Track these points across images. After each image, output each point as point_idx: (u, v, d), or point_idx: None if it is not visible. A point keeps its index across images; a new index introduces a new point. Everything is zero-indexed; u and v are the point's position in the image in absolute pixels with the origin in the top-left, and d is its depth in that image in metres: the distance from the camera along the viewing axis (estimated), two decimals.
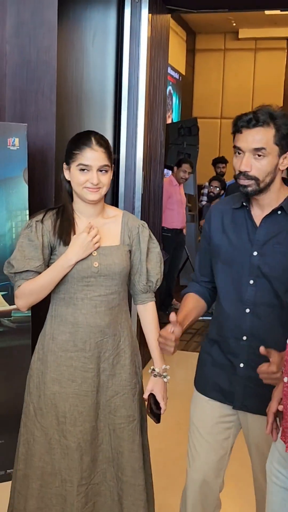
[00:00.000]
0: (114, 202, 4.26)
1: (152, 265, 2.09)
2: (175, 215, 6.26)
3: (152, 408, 2.07)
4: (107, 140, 2.03)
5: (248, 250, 1.90)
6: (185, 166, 6.24)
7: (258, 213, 1.92)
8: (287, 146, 1.83)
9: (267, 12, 8.05)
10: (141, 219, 4.20)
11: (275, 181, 1.86)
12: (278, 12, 8.18)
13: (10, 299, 3.00)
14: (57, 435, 2.02)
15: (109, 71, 4.12)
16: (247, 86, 10.70)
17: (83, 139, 1.97)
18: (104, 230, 2.04)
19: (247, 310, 1.91)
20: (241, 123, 1.83)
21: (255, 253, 1.88)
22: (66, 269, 1.96)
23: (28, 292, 1.98)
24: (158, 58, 4.65)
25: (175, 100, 9.67)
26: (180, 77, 9.88)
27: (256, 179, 1.83)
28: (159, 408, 2.08)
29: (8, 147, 2.93)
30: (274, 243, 1.87)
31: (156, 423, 2.08)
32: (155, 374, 2.08)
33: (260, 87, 10.65)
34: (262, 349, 1.64)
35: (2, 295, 2.99)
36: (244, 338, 1.92)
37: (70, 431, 2.00)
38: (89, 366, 2.01)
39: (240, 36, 10.59)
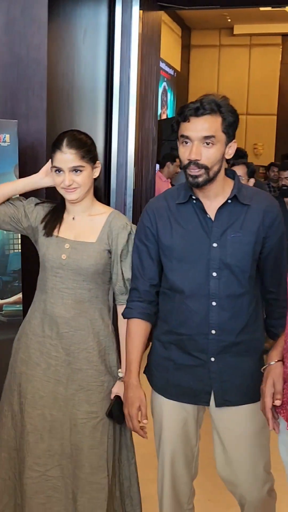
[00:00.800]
0: (106, 198, 4.30)
1: (126, 268, 2.07)
2: None
3: (115, 410, 2.06)
4: (83, 139, 2.06)
5: (206, 243, 1.88)
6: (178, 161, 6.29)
7: (207, 204, 1.90)
8: (233, 135, 1.84)
9: (261, 8, 8.07)
10: (132, 215, 4.28)
11: (221, 171, 1.87)
12: (272, 8, 8.22)
13: (1, 294, 3.04)
14: (19, 414, 2.11)
15: (100, 68, 4.15)
16: (242, 82, 10.74)
17: (57, 141, 2.03)
18: (85, 226, 2.08)
19: (213, 303, 1.88)
20: (188, 112, 1.80)
21: (214, 245, 1.87)
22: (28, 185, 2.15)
23: None
24: (150, 55, 4.68)
25: (170, 96, 9.69)
26: (175, 73, 9.90)
27: (206, 167, 1.81)
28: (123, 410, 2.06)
29: None
30: (231, 232, 1.87)
31: (118, 424, 2.09)
32: (119, 378, 2.10)
33: (255, 83, 10.69)
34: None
35: None
36: (213, 331, 1.89)
37: (28, 412, 2.07)
38: (53, 353, 2.07)
39: (235, 32, 10.62)
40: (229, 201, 1.89)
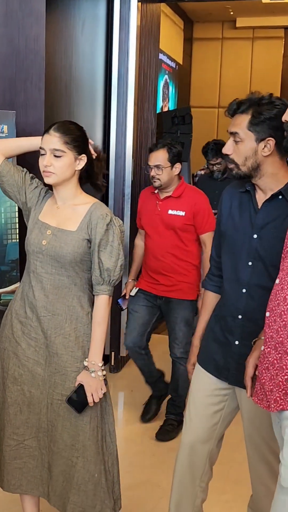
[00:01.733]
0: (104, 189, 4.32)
1: (105, 257, 2.08)
2: None
3: (79, 398, 2.07)
4: (72, 127, 2.11)
5: (249, 233, 1.98)
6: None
7: (261, 197, 1.99)
8: (264, 133, 1.89)
9: (264, 0, 8.07)
10: (131, 206, 4.30)
11: (264, 166, 1.93)
12: (275, 0, 8.20)
13: None
14: (2, 386, 2.22)
15: (98, 60, 4.17)
16: (244, 75, 10.70)
17: (49, 126, 2.11)
18: (68, 215, 2.13)
19: (243, 290, 2.00)
20: (228, 111, 1.96)
21: (255, 236, 1.97)
22: (28, 143, 2.23)
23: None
24: (149, 47, 4.69)
25: (171, 89, 9.68)
26: (177, 66, 9.89)
27: (235, 163, 1.94)
28: (86, 399, 2.08)
29: None
30: (271, 227, 1.94)
31: (77, 412, 2.09)
32: (84, 367, 2.11)
33: (257, 76, 10.65)
34: None
35: None
36: (240, 316, 2.01)
37: (9, 387, 2.18)
38: (33, 335, 2.15)
39: (237, 25, 10.57)
40: (280, 197, 1.94)
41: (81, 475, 2.13)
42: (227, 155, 1.96)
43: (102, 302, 2.12)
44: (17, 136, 3.04)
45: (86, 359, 2.11)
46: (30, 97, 3.25)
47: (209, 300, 2.23)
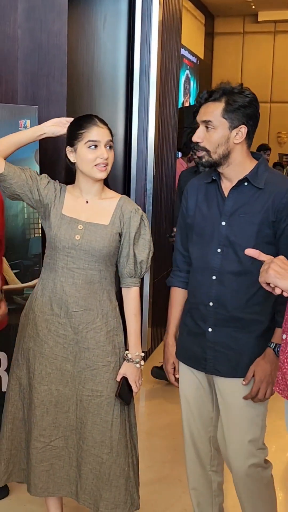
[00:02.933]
0: (126, 184, 4.33)
1: (139, 250, 2.14)
2: None
3: (123, 391, 2.13)
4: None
5: (217, 220, 2.01)
6: None
7: (227, 186, 2.02)
8: (237, 120, 1.93)
9: None
10: (152, 202, 4.30)
11: (233, 154, 1.97)
12: None
13: (22, 277, 3.10)
14: (28, 387, 2.19)
15: (120, 54, 4.17)
16: (266, 70, 10.63)
17: (85, 119, 2.08)
18: (97, 209, 2.13)
19: (213, 277, 2.01)
20: (198, 99, 1.99)
21: (223, 223, 2.00)
22: (35, 132, 2.19)
23: None
24: (171, 41, 4.68)
25: (193, 84, 9.65)
26: (198, 61, 9.84)
27: (207, 150, 1.96)
28: (131, 390, 2.16)
29: (19, 129, 3.01)
30: (240, 213, 1.98)
31: (125, 405, 2.17)
32: (127, 359, 2.16)
33: (279, 70, 10.57)
34: (248, 251, 1.66)
35: (15, 273, 3.08)
36: (211, 304, 2.02)
37: (36, 387, 2.14)
38: (61, 331, 2.12)
39: (259, 19, 10.50)
40: (245, 183, 1.99)
41: (112, 470, 2.13)
42: (197, 143, 1.98)
43: (136, 294, 2.20)
44: None
45: (127, 352, 2.16)
46: (53, 92, 3.26)
47: (178, 296, 2.21)
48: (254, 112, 1.96)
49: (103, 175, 2.08)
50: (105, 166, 2.06)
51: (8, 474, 2.26)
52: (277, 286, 1.50)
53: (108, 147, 2.08)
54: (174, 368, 2.21)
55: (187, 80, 9.25)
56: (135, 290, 2.19)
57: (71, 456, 2.19)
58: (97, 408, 2.12)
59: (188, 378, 2.16)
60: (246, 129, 1.95)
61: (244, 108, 1.93)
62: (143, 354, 2.20)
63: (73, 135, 2.08)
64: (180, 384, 2.19)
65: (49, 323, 2.13)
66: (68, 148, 2.11)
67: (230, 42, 10.86)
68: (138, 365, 2.17)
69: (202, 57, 10.10)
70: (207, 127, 1.95)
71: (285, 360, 1.60)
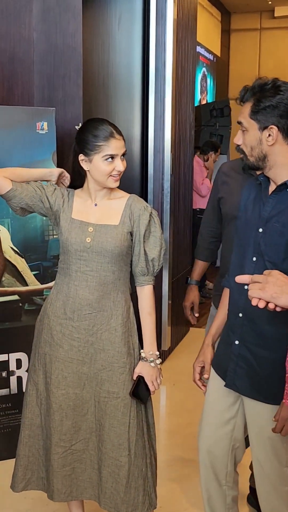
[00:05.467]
0: (144, 184, 4.33)
1: (150, 248, 2.14)
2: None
3: (140, 390, 2.12)
4: None
5: (256, 226, 1.88)
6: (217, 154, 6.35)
7: (272, 189, 1.87)
8: (266, 121, 1.79)
9: None
10: (170, 201, 4.30)
11: (271, 156, 1.82)
12: None
13: (42, 278, 3.12)
14: (45, 393, 2.19)
15: (135, 54, 4.17)
16: (284, 66, 10.54)
17: (103, 130, 2.05)
18: (106, 210, 2.14)
19: (245, 287, 1.79)
20: (237, 99, 1.89)
21: (260, 230, 1.86)
22: (45, 176, 2.24)
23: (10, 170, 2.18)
24: (186, 40, 4.66)
25: (209, 82, 9.63)
26: (215, 59, 9.82)
27: (244, 153, 1.87)
28: (148, 389, 2.15)
29: (37, 131, 3.03)
30: (275, 221, 1.82)
31: (142, 404, 2.16)
32: (142, 358, 2.16)
33: None
34: (238, 278, 1.57)
35: (34, 275, 3.11)
36: (240, 315, 1.92)
37: (53, 392, 2.15)
38: (75, 335, 2.13)
39: (276, 15, 10.43)
40: (287, 189, 1.83)
41: (131, 472, 2.13)
42: (238, 145, 1.89)
43: (150, 292, 2.19)
44: (56, 133, 3.07)
45: (142, 351, 2.16)
46: (69, 93, 3.28)
47: (226, 299, 2.10)
48: (287, 110, 1.76)
49: (117, 185, 2.11)
50: (118, 176, 2.09)
51: (26, 481, 2.24)
52: (276, 304, 1.44)
53: (122, 157, 2.09)
54: (203, 367, 2.15)
55: (204, 77, 9.23)
56: (148, 288, 2.19)
57: (92, 458, 2.18)
58: (114, 410, 2.12)
59: (214, 387, 2.07)
60: (277, 129, 1.78)
61: (271, 107, 1.76)
62: (158, 353, 2.19)
63: (89, 146, 2.05)
64: (207, 390, 2.13)
65: (63, 327, 2.14)
66: (82, 157, 2.08)
67: (247, 38, 10.81)
68: (153, 364, 2.16)
69: (219, 54, 10.07)
70: (242, 129, 1.85)
71: None
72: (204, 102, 8.93)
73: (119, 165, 2.06)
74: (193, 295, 2.82)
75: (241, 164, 2.41)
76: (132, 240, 2.14)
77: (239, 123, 1.86)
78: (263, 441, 1.93)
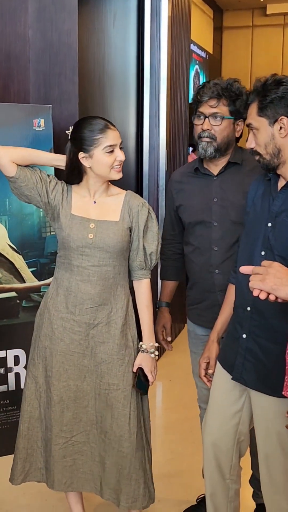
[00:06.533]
0: (139, 180, 4.34)
1: (148, 243, 2.19)
2: None
3: (140, 381, 2.19)
4: None
5: (264, 221, 1.90)
6: None
7: (282, 184, 1.90)
8: (275, 113, 1.81)
9: None
10: (165, 197, 4.31)
11: (285, 150, 1.83)
12: None
13: (39, 275, 3.14)
14: (45, 386, 2.22)
15: (130, 51, 4.18)
16: (276, 63, 10.57)
17: (98, 124, 2.09)
18: (105, 206, 2.17)
19: None
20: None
21: (269, 224, 1.88)
22: (53, 160, 2.21)
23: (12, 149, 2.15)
24: (180, 37, 4.68)
25: (202, 79, 9.63)
26: (208, 56, 9.83)
27: (259, 153, 1.87)
28: (147, 380, 2.20)
29: (34, 128, 3.04)
30: (284, 216, 1.84)
31: (143, 395, 2.22)
32: (142, 350, 2.20)
33: None
34: (242, 268, 1.59)
35: (32, 272, 3.12)
36: (248, 308, 1.94)
37: (54, 385, 2.18)
38: (77, 329, 2.16)
39: (268, 12, 10.44)
40: None
41: (132, 464, 2.16)
42: (251, 149, 1.89)
43: (147, 286, 2.23)
44: (53, 131, 3.08)
45: (141, 343, 2.20)
46: (65, 91, 3.29)
47: (231, 294, 2.14)
48: None
49: (120, 176, 2.13)
50: (120, 167, 2.12)
51: (25, 474, 2.27)
52: (276, 296, 1.46)
53: (121, 148, 2.12)
54: (208, 363, 2.18)
55: (197, 75, 9.24)
56: (146, 282, 2.23)
57: (93, 451, 2.22)
58: (114, 402, 2.15)
59: (221, 381, 2.09)
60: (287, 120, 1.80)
61: (279, 99, 1.79)
62: (157, 345, 2.24)
63: (87, 142, 2.08)
64: (212, 385, 2.15)
65: (64, 321, 2.17)
66: (82, 154, 2.09)
67: (239, 36, 10.82)
68: (153, 355, 2.21)
69: (211, 51, 10.08)
70: (252, 131, 1.86)
71: None
72: None
73: (120, 155, 2.09)
74: (163, 319, 2.61)
75: (191, 166, 2.45)
76: (130, 235, 2.17)
77: (249, 125, 1.87)
78: (270, 435, 1.95)
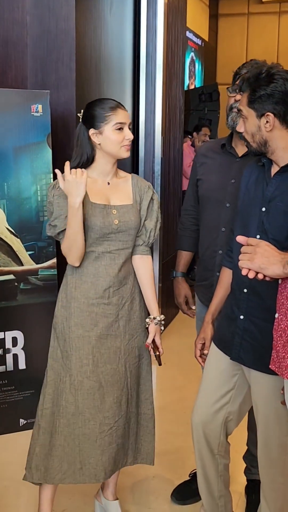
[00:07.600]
0: (135, 166, 4.39)
1: (149, 220, 2.31)
2: None
3: (154, 352, 2.33)
4: None
5: (259, 205, 1.96)
6: (205, 130, 6.37)
7: (275, 170, 1.95)
8: (262, 109, 1.86)
9: None
10: (161, 183, 4.38)
11: (272, 142, 1.89)
12: None
13: (37, 258, 3.19)
14: (80, 377, 2.19)
15: (127, 38, 4.21)
16: (271, 50, 10.58)
17: (109, 103, 2.17)
18: (118, 189, 2.26)
19: None
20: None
21: (263, 209, 1.94)
22: (76, 214, 2.08)
23: (67, 248, 2.16)
24: (176, 24, 4.71)
25: (198, 67, 9.65)
26: (203, 43, 9.83)
27: (246, 140, 1.95)
28: (158, 351, 2.34)
29: (31, 113, 3.08)
30: (278, 201, 1.89)
31: (159, 365, 2.35)
32: (156, 322, 2.32)
33: (285, 51, 10.53)
34: (239, 238, 1.65)
35: (29, 254, 3.17)
36: (245, 290, 1.99)
37: (93, 371, 2.19)
38: (108, 312, 2.23)
39: (263, 0, 10.46)
40: None
41: (152, 422, 2.39)
42: (240, 132, 1.97)
43: (150, 261, 2.37)
44: (50, 116, 3.12)
45: (153, 316, 2.32)
46: (62, 77, 3.32)
47: (225, 277, 2.20)
48: (281, 97, 1.83)
49: (128, 154, 2.21)
50: (129, 145, 2.19)
51: (62, 474, 2.22)
52: (264, 275, 1.53)
53: (130, 128, 2.21)
54: (204, 344, 2.26)
55: (192, 62, 9.25)
56: (149, 258, 2.35)
57: (132, 427, 2.34)
58: (141, 371, 2.34)
59: (215, 360, 2.16)
60: (273, 116, 1.85)
61: (267, 96, 1.84)
62: (163, 317, 2.34)
63: (98, 118, 2.15)
64: (206, 364, 2.21)
65: (95, 306, 2.21)
66: (93, 131, 2.15)
67: (235, 23, 10.82)
68: (162, 327, 2.34)
69: (206, 39, 10.09)
70: (242, 118, 1.93)
71: (278, 339, 1.64)
72: (192, 87, 8.96)
73: (129, 134, 2.17)
74: (183, 289, 2.67)
75: (219, 142, 2.49)
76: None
77: (239, 111, 1.94)
78: (268, 410, 2.02)
